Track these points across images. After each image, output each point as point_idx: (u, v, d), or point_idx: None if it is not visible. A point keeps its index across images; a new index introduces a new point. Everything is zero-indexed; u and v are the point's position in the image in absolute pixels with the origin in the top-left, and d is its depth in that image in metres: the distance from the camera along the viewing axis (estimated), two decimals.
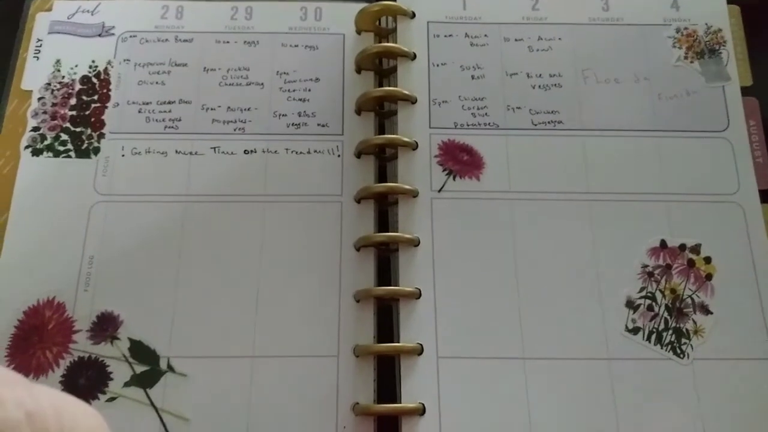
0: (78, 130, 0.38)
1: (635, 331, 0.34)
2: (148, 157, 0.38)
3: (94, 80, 0.39)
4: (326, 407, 0.33)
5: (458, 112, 0.38)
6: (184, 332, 0.34)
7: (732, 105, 0.39)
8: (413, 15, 0.40)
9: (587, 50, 0.40)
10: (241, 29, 0.41)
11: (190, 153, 0.38)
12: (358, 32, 0.41)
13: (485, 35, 0.40)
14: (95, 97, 0.39)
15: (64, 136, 0.38)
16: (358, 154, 0.38)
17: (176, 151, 0.38)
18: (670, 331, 0.35)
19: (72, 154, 0.38)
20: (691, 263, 0.36)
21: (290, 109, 0.39)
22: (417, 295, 0.34)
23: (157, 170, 0.37)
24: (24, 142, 0.38)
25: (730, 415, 0.33)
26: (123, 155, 0.38)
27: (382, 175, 0.38)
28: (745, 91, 0.40)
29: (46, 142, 0.38)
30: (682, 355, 0.34)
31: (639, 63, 0.40)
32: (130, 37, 0.41)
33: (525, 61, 0.40)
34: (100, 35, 0.40)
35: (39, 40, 0.40)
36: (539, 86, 0.39)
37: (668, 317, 0.35)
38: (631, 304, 0.35)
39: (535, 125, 0.38)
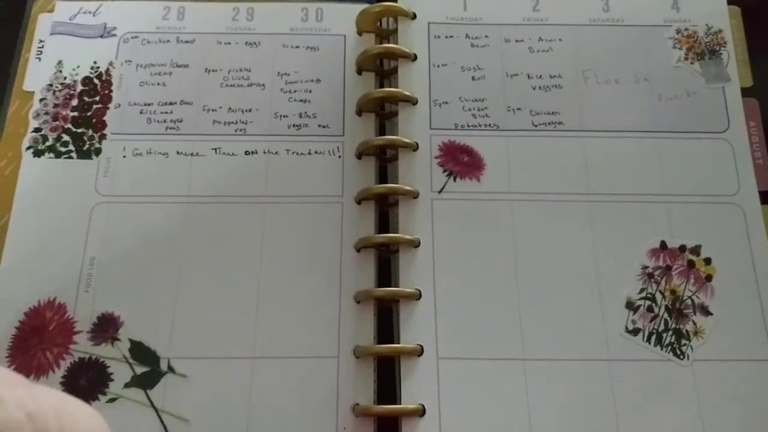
0: (79, 131, 0.38)
1: (635, 332, 0.34)
2: (150, 158, 0.38)
3: (96, 81, 0.39)
4: (326, 408, 0.33)
5: (459, 113, 0.38)
6: (184, 333, 0.34)
7: (732, 106, 0.39)
8: (414, 16, 0.41)
9: (588, 51, 0.40)
10: (242, 30, 0.41)
11: (192, 154, 0.38)
12: (359, 33, 0.41)
13: (486, 36, 0.40)
14: (97, 98, 0.39)
15: (65, 137, 0.38)
16: (359, 155, 0.38)
17: (177, 152, 0.38)
18: (670, 332, 0.35)
19: (73, 155, 0.38)
20: (691, 264, 0.36)
21: (291, 110, 0.39)
22: (417, 296, 0.34)
23: (159, 171, 0.37)
24: (26, 143, 0.38)
25: (730, 417, 0.33)
26: (124, 156, 0.38)
27: (382, 176, 0.38)
28: (746, 92, 0.39)
29: (47, 143, 0.38)
30: (682, 357, 0.34)
31: (639, 64, 0.40)
32: (132, 38, 0.41)
33: (525, 62, 0.40)
34: (101, 36, 0.41)
35: (41, 41, 0.40)
36: (539, 87, 0.39)
37: (668, 318, 0.35)
38: (631, 305, 0.35)
39: (536, 126, 0.38)
